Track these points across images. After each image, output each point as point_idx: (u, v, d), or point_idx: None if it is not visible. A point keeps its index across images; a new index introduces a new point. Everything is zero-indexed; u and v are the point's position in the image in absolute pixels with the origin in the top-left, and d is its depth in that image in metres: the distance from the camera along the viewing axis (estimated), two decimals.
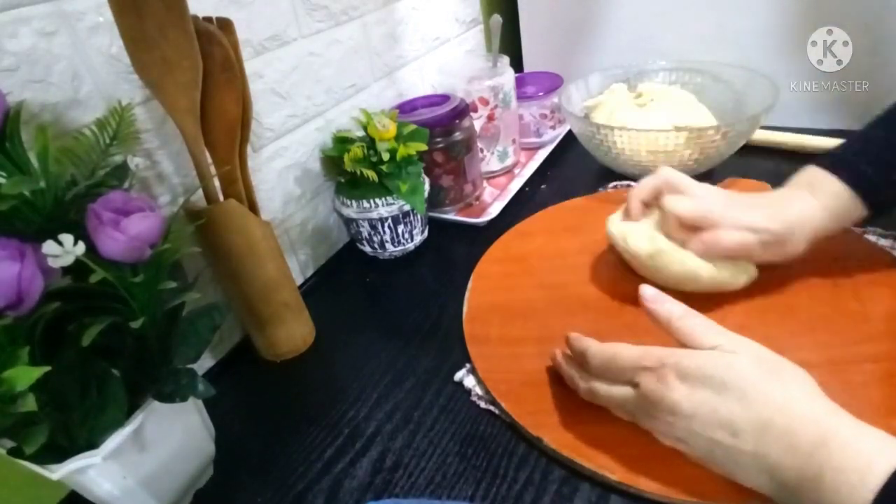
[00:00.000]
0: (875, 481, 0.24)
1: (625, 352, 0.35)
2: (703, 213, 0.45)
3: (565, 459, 0.37)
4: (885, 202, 0.43)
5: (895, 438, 0.26)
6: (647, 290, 0.37)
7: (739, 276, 0.46)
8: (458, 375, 0.46)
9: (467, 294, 0.54)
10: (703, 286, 0.46)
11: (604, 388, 0.36)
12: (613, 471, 0.35)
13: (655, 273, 0.48)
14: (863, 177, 0.42)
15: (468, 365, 0.46)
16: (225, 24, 0.42)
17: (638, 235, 0.49)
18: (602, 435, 0.37)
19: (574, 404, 0.40)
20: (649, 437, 0.35)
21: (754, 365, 0.31)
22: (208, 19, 0.41)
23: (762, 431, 0.29)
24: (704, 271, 0.45)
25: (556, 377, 0.42)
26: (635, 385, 0.34)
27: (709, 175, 0.66)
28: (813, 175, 0.45)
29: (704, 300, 0.44)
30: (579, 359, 0.39)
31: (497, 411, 0.42)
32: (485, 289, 0.55)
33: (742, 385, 0.30)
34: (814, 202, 0.43)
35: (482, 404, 0.43)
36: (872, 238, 0.51)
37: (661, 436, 0.34)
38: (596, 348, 0.37)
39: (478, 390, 0.44)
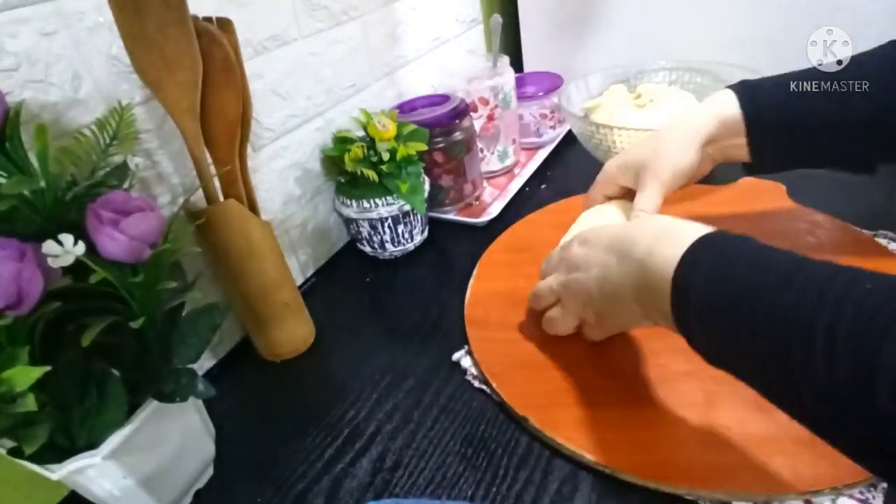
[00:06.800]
0: (687, 243, 0.31)
1: (552, 252, 0.46)
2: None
3: (548, 439, 0.38)
4: (765, 141, 0.45)
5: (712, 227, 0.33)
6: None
7: None
8: (457, 356, 0.47)
9: (471, 280, 0.55)
10: None
11: (553, 277, 0.44)
12: (591, 451, 0.37)
13: None
14: (753, 94, 0.45)
15: (466, 346, 0.48)
16: (225, 24, 0.42)
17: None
18: (586, 418, 0.39)
19: (562, 388, 0.42)
20: (629, 423, 0.38)
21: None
22: (208, 19, 0.41)
23: (630, 246, 0.36)
24: None
25: (550, 362, 0.44)
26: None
27: (710, 175, 0.66)
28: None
29: None
30: (545, 292, 0.45)
31: (489, 391, 0.44)
32: (489, 276, 0.56)
33: (615, 231, 0.39)
34: (695, 107, 0.46)
35: (476, 384, 0.45)
36: (883, 241, 0.51)
37: (579, 301, 0.41)
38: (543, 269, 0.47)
39: (473, 371, 0.46)
